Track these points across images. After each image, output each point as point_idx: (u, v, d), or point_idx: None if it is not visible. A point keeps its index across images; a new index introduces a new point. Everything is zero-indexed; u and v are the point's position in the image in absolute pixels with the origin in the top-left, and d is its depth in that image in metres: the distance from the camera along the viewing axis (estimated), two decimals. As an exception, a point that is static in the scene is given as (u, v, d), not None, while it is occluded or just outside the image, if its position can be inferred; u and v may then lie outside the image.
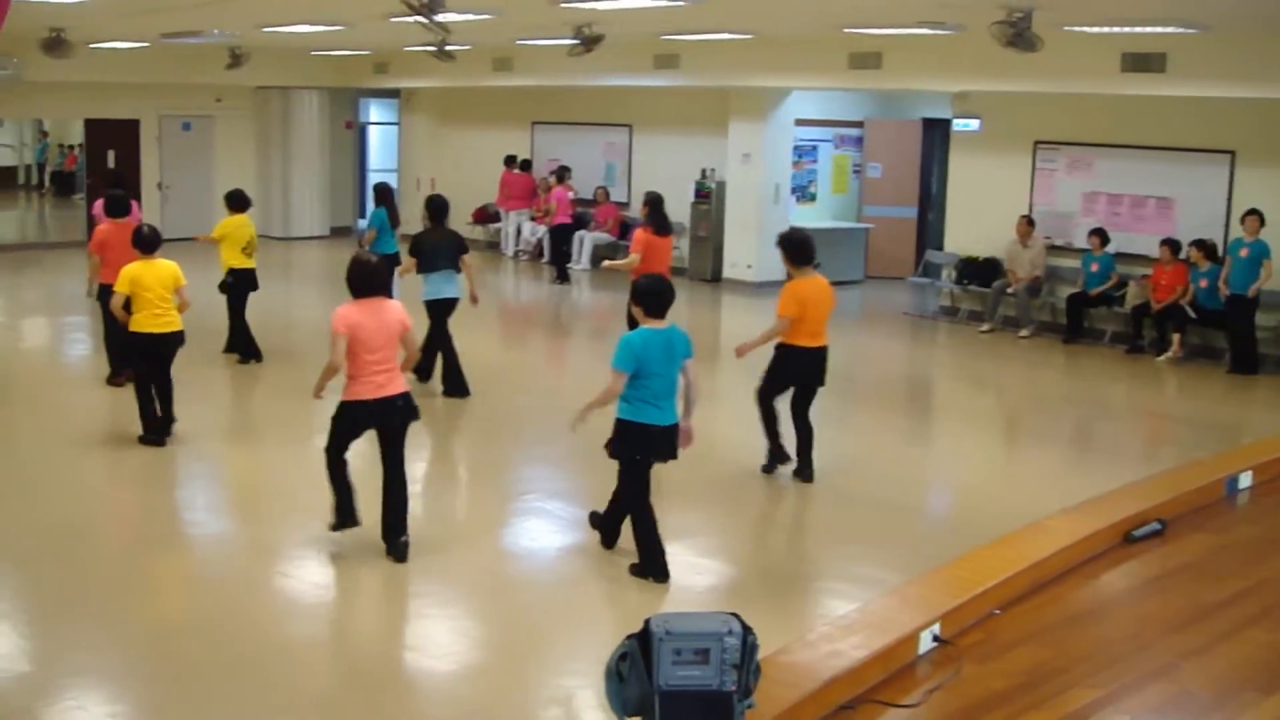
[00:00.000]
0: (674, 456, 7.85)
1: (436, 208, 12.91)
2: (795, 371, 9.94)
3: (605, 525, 8.23)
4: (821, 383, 10.13)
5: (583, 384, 8.05)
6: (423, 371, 12.37)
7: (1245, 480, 7.64)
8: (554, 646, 7.02)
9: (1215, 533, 6.90)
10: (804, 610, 7.47)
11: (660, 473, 7.96)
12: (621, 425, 7.66)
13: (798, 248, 9.86)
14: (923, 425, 13.64)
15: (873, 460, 11.14)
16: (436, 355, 12.56)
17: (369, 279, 8.01)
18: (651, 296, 7.72)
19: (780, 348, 9.89)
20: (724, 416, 11.45)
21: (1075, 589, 5.98)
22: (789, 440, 10.10)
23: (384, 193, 15.91)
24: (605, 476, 8.14)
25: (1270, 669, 5.16)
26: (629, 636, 4.12)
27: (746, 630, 4.12)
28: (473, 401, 12.42)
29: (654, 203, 13.09)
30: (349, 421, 7.98)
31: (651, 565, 7.78)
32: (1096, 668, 5.08)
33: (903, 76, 17.59)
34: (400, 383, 8.02)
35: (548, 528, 8.93)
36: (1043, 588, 5.87)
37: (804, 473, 10.05)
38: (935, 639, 5.15)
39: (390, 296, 8.37)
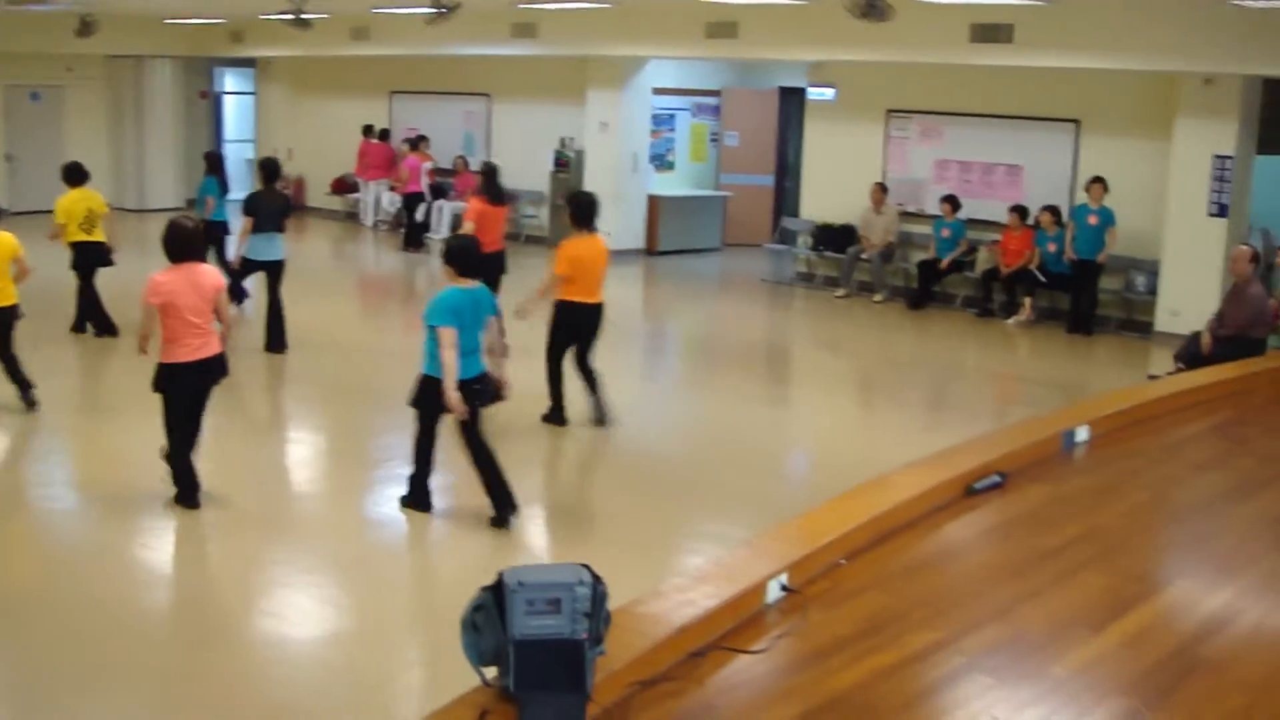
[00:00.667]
0: (482, 404, 8.22)
1: (271, 170, 13.07)
2: (572, 324, 10.38)
3: (413, 488, 8.40)
4: (595, 335, 10.59)
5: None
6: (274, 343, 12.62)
7: (1082, 434, 7.93)
8: (414, 608, 7.12)
9: (1052, 484, 7.18)
10: (661, 566, 7.66)
11: (515, 439, 8.07)
12: (429, 381, 7.99)
13: (581, 208, 10.39)
14: (780, 389, 13.90)
15: (731, 423, 11.33)
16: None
17: (186, 245, 8.18)
18: (461, 257, 8.13)
19: (559, 304, 10.30)
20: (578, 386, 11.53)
21: (918, 539, 6.19)
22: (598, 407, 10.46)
23: (214, 161, 15.85)
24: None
25: (1100, 608, 5.40)
26: (483, 589, 4.22)
27: (597, 580, 4.24)
28: (321, 369, 12.50)
29: (489, 173, 13.50)
30: (168, 382, 8.09)
31: (420, 498, 8.43)
32: (936, 612, 5.28)
33: (759, 46, 17.84)
34: (216, 344, 8.17)
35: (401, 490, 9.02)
36: (887, 538, 6.07)
37: (601, 418, 10.58)
38: (783, 588, 5.31)
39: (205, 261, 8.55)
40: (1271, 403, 9.88)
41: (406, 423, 8.58)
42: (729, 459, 10.03)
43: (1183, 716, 4.53)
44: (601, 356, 10.88)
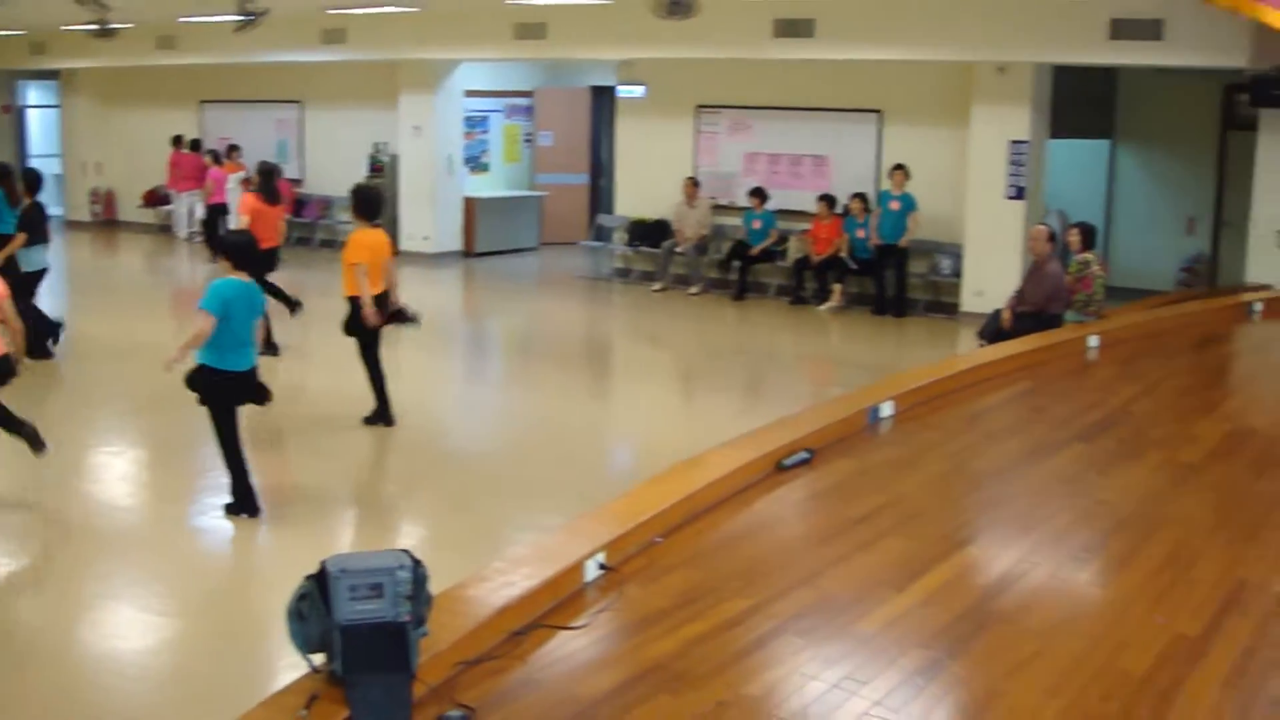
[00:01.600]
0: (258, 400, 8.41)
1: (37, 181, 13.17)
2: (357, 315, 10.36)
3: (236, 493, 8.45)
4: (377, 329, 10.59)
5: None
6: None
7: (887, 410, 8.28)
8: (241, 607, 7.16)
9: (858, 458, 7.49)
10: (485, 554, 7.78)
11: (334, 438, 8.15)
12: (206, 371, 8.09)
13: (368, 203, 10.44)
14: (601, 382, 14.10)
15: (553, 417, 11.49)
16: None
17: None
18: (239, 251, 8.36)
19: (353, 299, 10.30)
20: (406, 388, 11.62)
21: (730, 515, 6.44)
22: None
23: (2, 173, 15.61)
24: (277, 449, 8.29)
25: (902, 570, 5.70)
26: (307, 578, 4.35)
27: (417, 564, 4.40)
28: (123, 379, 12.45)
29: (266, 173, 13.76)
30: None
31: (245, 501, 8.37)
32: (748, 582, 5.53)
33: (567, 46, 18.02)
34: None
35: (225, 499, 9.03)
36: (700, 516, 6.31)
37: (386, 417, 10.58)
38: (601, 566, 5.52)
39: None
40: (1065, 373, 10.38)
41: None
42: (551, 452, 10.20)
43: (980, 664, 4.83)
44: (425, 358, 10.98)
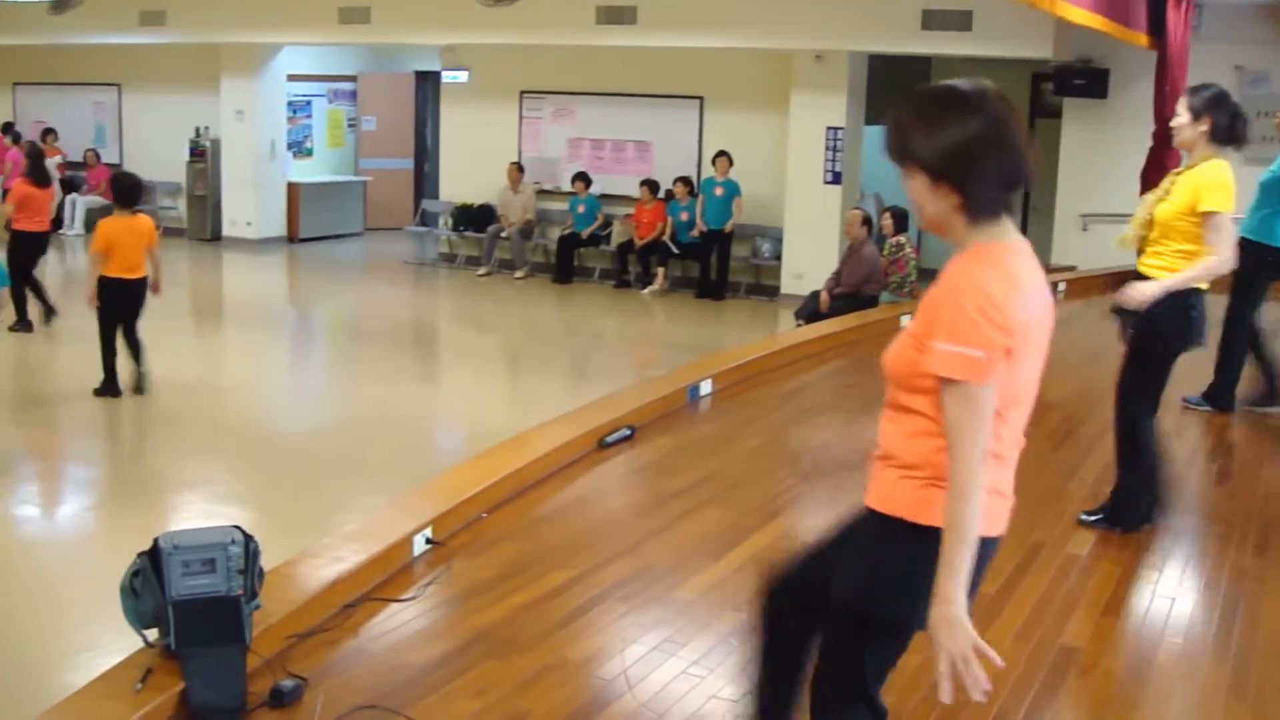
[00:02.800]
0: None
1: None
2: (112, 299, 10.59)
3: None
4: (139, 308, 10.83)
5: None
6: None
7: (706, 388, 8.56)
8: (73, 598, 7.16)
9: (677, 434, 7.75)
10: (313, 534, 7.87)
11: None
12: None
13: (121, 190, 10.76)
14: (427, 365, 14.20)
15: (381, 401, 11.56)
16: None
17: None
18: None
19: (101, 280, 10.54)
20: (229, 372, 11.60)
21: (554, 491, 6.65)
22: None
23: None
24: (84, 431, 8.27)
25: (720, 539, 5.96)
26: (140, 555, 4.44)
27: (248, 539, 4.53)
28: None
29: (33, 156, 13.72)
30: None
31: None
32: (571, 554, 5.74)
33: (391, 31, 18.05)
34: None
35: (44, 489, 9.00)
36: (525, 492, 6.51)
37: (141, 386, 10.79)
38: (428, 541, 5.69)
39: None
40: (879, 351, 10.73)
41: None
42: (380, 434, 10.28)
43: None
44: (252, 344, 10.95)
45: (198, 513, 8.55)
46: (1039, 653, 4.89)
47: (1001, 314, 2.87)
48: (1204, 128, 5.97)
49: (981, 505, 2.90)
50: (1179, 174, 6.10)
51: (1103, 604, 5.42)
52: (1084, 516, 6.42)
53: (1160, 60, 13.90)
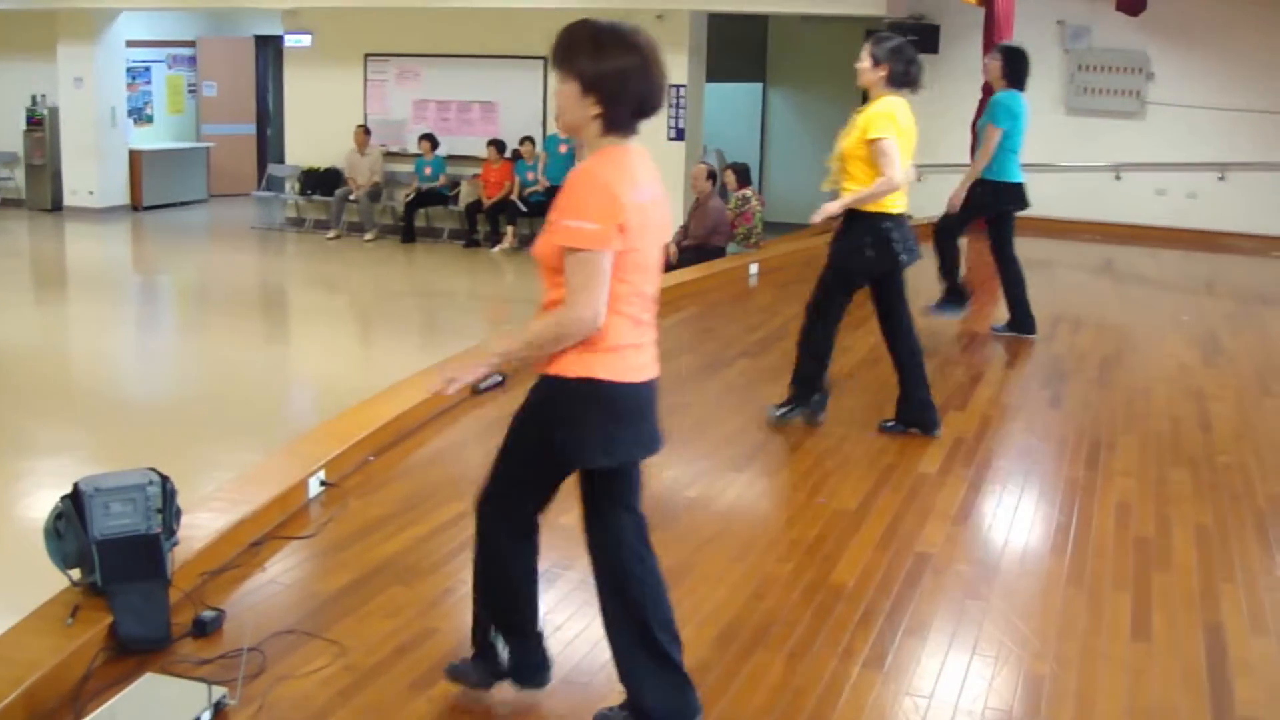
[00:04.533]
0: None
1: None
2: None
3: None
4: None
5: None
6: None
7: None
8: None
9: (548, 379, 8.12)
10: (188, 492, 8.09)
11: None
12: None
13: None
14: (279, 328, 14.31)
15: (233, 363, 11.64)
16: None
17: None
18: None
19: None
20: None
21: (435, 434, 6.99)
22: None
23: None
24: None
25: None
26: (62, 498, 4.69)
27: (165, 479, 4.79)
28: None
29: None
30: None
31: None
32: (459, 490, 6.06)
33: (230, -6, 18.01)
34: None
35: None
36: (407, 436, 6.84)
37: None
38: (322, 483, 5.99)
39: None
40: (730, 298, 11.24)
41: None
42: (235, 397, 10.37)
43: (672, 544, 5.41)
44: (100, 311, 10.97)
45: (70, 475, 8.68)
46: (898, 558, 5.37)
47: (611, 195, 3.55)
48: (882, 73, 6.72)
49: (627, 358, 3.72)
50: (859, 112, 6.85)
51: (952, 514, 5.92)
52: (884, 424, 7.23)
53: (987, 16, 14.51)
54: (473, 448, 6.95)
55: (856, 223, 6.82)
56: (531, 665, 4.14)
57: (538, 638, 4.15)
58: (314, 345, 12.97)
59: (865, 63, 6.76)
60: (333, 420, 6.86)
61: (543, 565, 5.17)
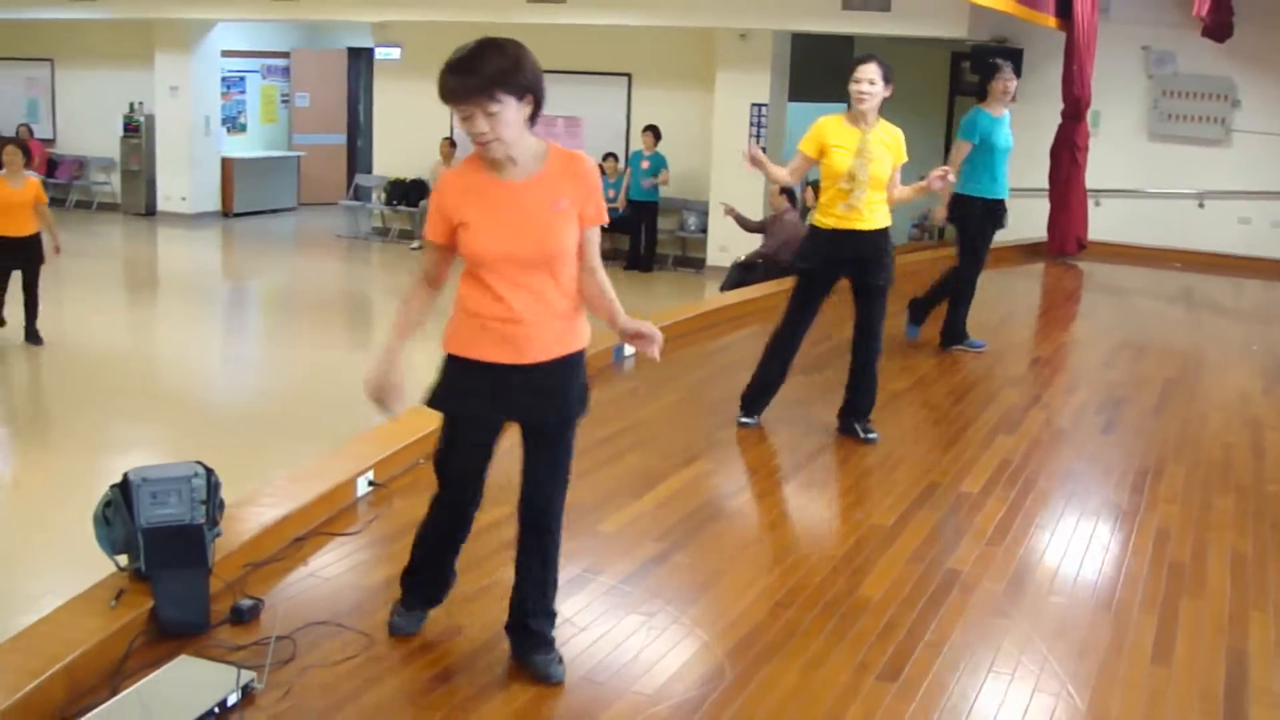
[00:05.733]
0: None
1: None
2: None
3: None
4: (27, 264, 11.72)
5: None
6: None
7: (629, 349, 9.05)
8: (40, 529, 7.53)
9: (603, 390, 8.18)
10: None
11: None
12: None
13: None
14: (361, 335, 14.56)
15: (316, 368, 11.91)
16: None
17: None
18: None
19: None
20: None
21: (488, 439, 7.13)
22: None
23: None
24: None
25: (640, 481, 6.47)
26: (112, 487, 4.87)
27: (209, 472, 4.97)
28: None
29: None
30: None
31: None
32: (505, 494, 6.09)
33: (323, 7, 18.38)
34: None
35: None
36: (461, 440, 6.98)
37: (30, 336, 11.76)
38: (370, 483, 6.15)
39: None
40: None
41: None
42: (314, 400, 10.64)
43: (705, 552, 5.62)
44: (187, 315, 11.24)
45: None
46: (927, 574, 5.43)
47: None
48: (888, 93, 6.96)
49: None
50: (864, 132, 7.06)
51: (989, 534, 5.97)
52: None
53: (1069, 41, 14.49)
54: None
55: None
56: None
57: None
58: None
59: (879, 85, 6.86)
60: (384, 424, 7.02)
61: (574, 570, 5.33)
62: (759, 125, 16.81)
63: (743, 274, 13.44)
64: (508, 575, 5.20)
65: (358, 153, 23.33)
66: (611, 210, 17.32)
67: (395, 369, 4.37)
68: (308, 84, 22.96)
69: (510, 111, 3.93)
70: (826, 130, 7.03)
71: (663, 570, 5.36)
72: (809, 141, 7.12)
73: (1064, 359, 10.34)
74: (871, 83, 6.83)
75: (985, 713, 4.34)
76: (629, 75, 18.10)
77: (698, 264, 17.54)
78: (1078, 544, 6.00)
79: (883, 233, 7.14)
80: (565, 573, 5.26)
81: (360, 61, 22.95)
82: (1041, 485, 6.80)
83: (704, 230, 17.49)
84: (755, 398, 7.58)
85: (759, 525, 6.12)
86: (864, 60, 6.94)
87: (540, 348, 4.25)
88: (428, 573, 4.77)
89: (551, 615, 4.57)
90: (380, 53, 19.70)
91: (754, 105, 16.82)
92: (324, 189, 22.68)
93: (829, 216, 7.09)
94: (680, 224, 17.88)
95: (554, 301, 4.24)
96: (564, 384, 4.40)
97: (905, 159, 7.09)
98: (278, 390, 11.21)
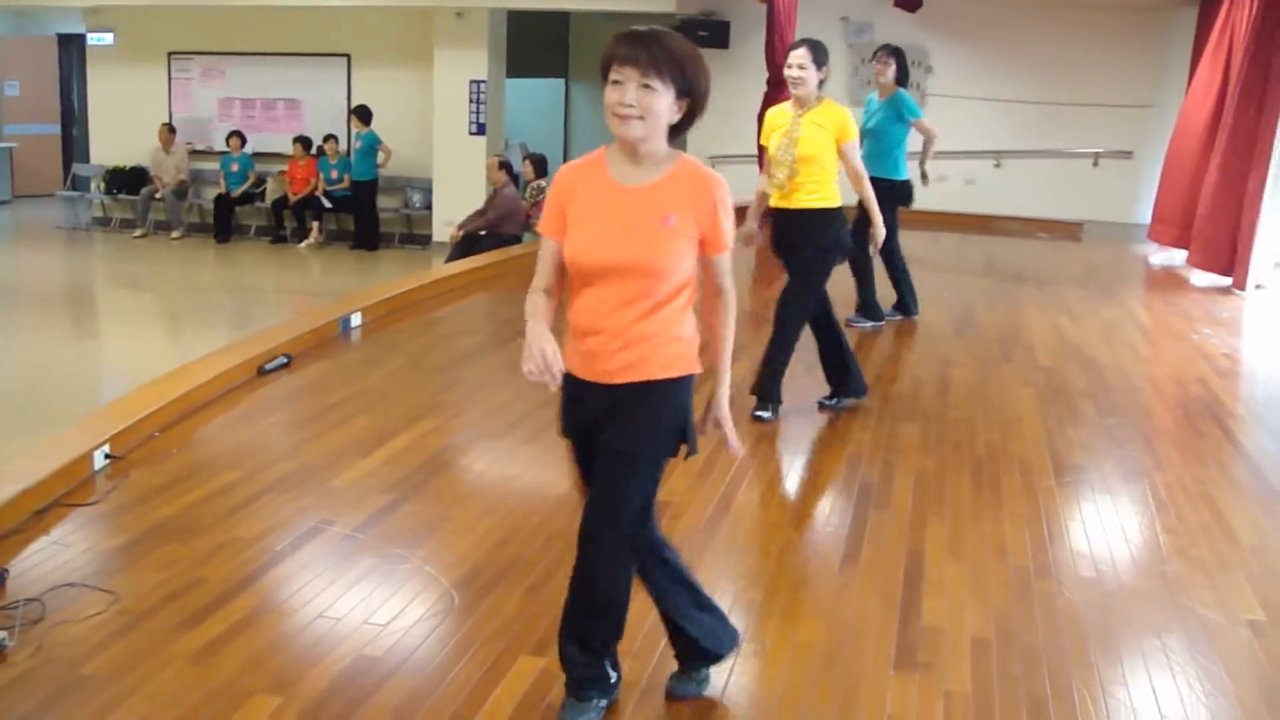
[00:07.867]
0: None
1: None
2: None
3: None
4: None
5: None
6: None
7: (356, 320, 9.39)
8: None
9: (331, 360, 8.57)
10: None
11: None
12: None
13: None
14: (88, 326, 14.45)
15: (42, 363, 11.80)
16: None
17: None
18: None
19: None
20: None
21: (219, 412, 7.39)
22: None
23: None
24: None
25: (368, 440, 6.84)
26: None
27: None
28: None
29: None
30: None
31: None
32: (238, 459, 6.51)
33: (31, -7, 18.07)
34: None
35: None
36: (192, 413, 7.24)
37: None
38: (107, 456, 6.37)
39: None
40: (520, 284, 11.71)
41: None
42: (44, 393, 10.59)
43: (430, 500, 6.02)
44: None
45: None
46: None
47: None
48: (823, 76, 7.16)
49: None
50: (799, 116, 7.28)
51: (698, 470, 6.50)
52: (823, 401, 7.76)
53: (770, 13, 15.20)
54: (254, 422, 7.38)
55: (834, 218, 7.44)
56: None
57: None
58: (121, 342, 13.17)
59: (809, 69, 7.07)
60: (121, 398, 7.23)
61: (308, 522, 5.68)
62: (478, 102, 17.18)
63: (466, 247, 13.80)
64: (244, 532, 5.54)
65: (73, 142, 22.90)
66: (339, 191, 17.57)
67: (547, 337, 3.61)
68: (16, 72, 22.42)
69: (663, 102, 3.65)
70: (770, 117, 7.39)
71: (393, 518, 5.74)
72: (763, 131, 7.50)
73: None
74: (801, 68, 7.08)
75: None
76: (348, 56, 18.27)
77: (424, 240, 17.85)
78: (773, 472, 6.58)
79: (809, 213, 7.32)
80: (302, 522, 5.62)
81: (72, 48, 22.51)
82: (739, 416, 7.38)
83: (429, 207, 17.81)
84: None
85: (483, 475, 6.54)
86: (794, 46, 7.21)
87: (617, 368, 3.79)
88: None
89: (576, 645, 4.02)
90: (92, 38, 19.43)
91: (473, 82, 17.18)
92: (40, 180, 22.22)
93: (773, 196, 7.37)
94: (405, 202, 18.14)
95: (643, 321, 3.77)
96: (640, 411, 3.81)
97: (850, 138, 7.21)
98: (3, 385, 11.13)
